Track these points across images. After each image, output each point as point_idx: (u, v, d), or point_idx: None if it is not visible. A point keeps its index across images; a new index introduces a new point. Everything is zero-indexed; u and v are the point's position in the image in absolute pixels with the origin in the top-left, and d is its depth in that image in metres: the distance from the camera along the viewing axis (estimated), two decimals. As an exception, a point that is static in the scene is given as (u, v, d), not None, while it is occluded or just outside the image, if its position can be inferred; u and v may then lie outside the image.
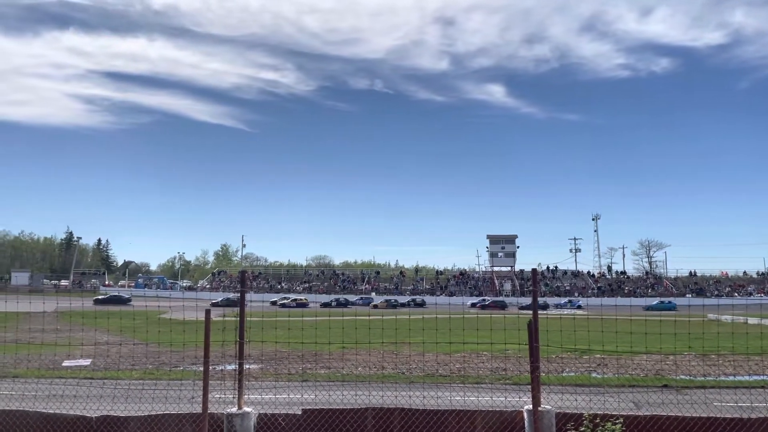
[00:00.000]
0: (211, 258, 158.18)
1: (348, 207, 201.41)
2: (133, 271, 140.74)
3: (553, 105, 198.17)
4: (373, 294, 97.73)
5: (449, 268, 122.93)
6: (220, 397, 7.73)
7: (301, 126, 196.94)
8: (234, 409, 7.02)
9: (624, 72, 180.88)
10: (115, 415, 7.36)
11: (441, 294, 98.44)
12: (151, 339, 22.19)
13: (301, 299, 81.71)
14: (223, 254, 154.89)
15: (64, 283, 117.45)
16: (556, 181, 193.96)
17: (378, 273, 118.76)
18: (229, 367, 16.14)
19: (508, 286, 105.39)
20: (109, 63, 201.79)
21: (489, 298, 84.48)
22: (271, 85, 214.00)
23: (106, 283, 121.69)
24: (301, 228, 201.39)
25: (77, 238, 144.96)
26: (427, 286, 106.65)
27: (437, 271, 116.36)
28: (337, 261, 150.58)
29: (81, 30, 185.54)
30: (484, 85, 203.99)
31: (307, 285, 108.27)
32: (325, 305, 72.50)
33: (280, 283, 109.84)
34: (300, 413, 7.18)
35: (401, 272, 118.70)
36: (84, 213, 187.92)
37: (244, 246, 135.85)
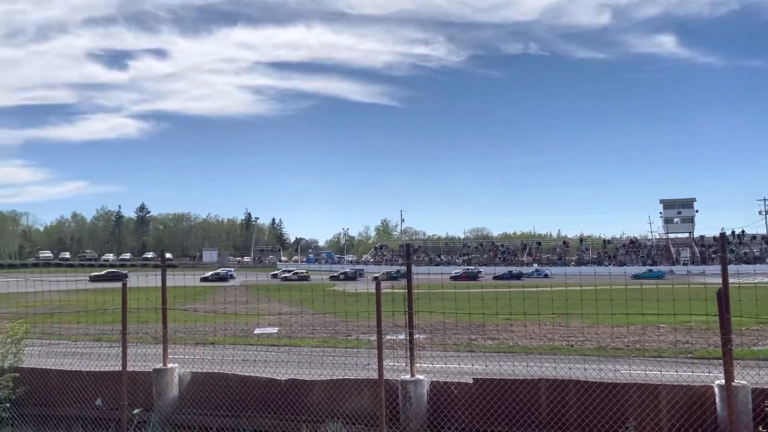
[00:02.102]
0: (372, 233, 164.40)
1: (505, 177, 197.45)
2: (304, 247, 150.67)
3: (733, 51, 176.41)
4: (535, 265, 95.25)
5: (617, 236, 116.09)
6: (393, 365, 8.06)
7: (453, 98, 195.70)
8: (407, 377, 7.27)
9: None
10: (301, 378, 7.98)
11: (609, 264, 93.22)
12: (324, 309, 23.68)
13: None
14: (384, 229, 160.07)
15: (246, 259, 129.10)
16: (738, 136, 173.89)
17: (539, 244, 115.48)
18: (398, 337, 16.76)
19: (686, 253, 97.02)
20: (273, 53, 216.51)
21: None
22: (423, 60, 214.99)
23: (282, 259, 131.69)
24: (458, 201, 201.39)
25: (255, 218, 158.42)
26: (594, 256, 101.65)
27: (604, 240, 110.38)
28: (496, 233, 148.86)
29: (247, 24, 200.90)
30: (652, 36, 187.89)
31: (466, 257, 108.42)
32: (498, 278, 70.96)
33: (439, 256, 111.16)
34: (471, 382, 7.24)
35: (564, 242, 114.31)
36: (259, 195, 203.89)
37: (402, 221, 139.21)
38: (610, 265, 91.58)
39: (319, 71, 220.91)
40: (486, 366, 9.41)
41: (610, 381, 7.22)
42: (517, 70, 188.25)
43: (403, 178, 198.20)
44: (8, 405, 8.44)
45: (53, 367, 9.50)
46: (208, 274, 70.91)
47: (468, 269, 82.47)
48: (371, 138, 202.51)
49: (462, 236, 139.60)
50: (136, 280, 9.91)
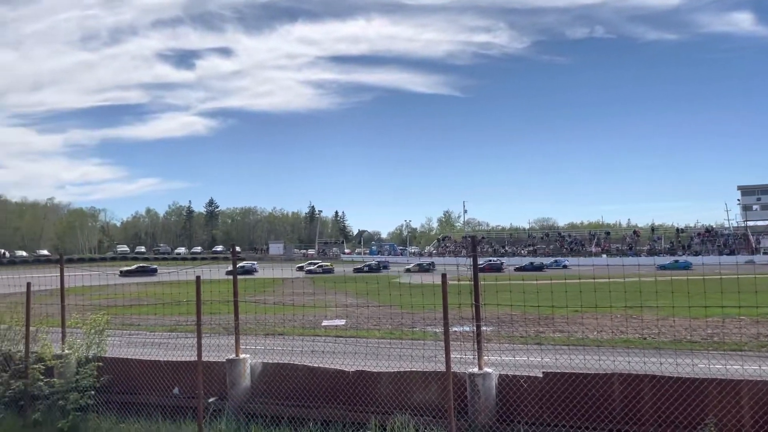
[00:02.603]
0: (435, 224, 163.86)
1: (572, 165, 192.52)
2: (366, 239, 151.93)
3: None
4: (604, 256, 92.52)
5: (691, 225, 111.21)
6: (460, 358, 8.03)
7: (515, 86, 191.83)
8: (475, 370, 7.22)
9: None
10: (368, 370, 8.06)
11: (683, 254, 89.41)
12: (388, 301, 23.79)
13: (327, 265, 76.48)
14: (446, 220, 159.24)
15: (310, 252, 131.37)
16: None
17: (608, 233, 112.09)
18: (463, 329, 16.65)
19: (766, 242, 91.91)
20: (334, 47, 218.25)
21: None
22: (484, 48, 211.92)
23: (346, 251, 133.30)
24: (523, 190, 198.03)
25: (318, 211, 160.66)
26: (666, 246, 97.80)
27: (678, 229, 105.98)
28: (562, 223, 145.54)
29: (308, 20, 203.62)
30: (726, 14, 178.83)
31: (531, 248, 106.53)
32: (520, 269, 68.97)
33: (503, 247, 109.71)
34: (541, 376, 7.11)
35: (635, 231, 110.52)
36: (323, 188, 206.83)
37: (465, 211, 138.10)
38: (683, 254, 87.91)
39: (379, 63, 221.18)
40: (556, 359, 9.22)
41: (687, 376, 6.92)
42: (583, 55, 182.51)
43: (465, 168, 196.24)
44: (93, 393, 8.92)
45: (133, 357, 9.96)
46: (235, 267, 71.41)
47: (491, 260, 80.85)
48: (433, 129, 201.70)
49: (527, 227, 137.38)
50: (209, 273, 10.24)
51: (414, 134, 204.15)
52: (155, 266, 73.15)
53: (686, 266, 67.69)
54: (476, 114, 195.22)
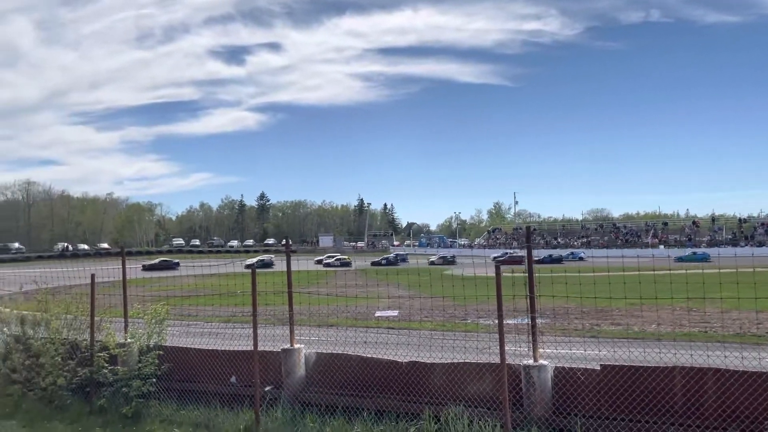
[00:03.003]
0: (485, 216, 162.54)
1: (626, 155, 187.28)
2: (415, 232, 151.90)
3: None
4: (661, 247, 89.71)
5: (754, 215, 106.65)
6: (513, 350, 7.91)
7: (567, 74, 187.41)
8: (530, 361, 7.12)
9: None
10: (421, 361, 8.05)
11: (746, 245, 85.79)
12: (438, 293, 23.75)
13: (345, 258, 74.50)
14: (496, 212, 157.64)
15: (360, 244, 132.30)
16: None
17: (666, 224, 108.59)
18: (516, 321, 16.44)
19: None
20: (381, 39, 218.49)
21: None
22: (534, 36, 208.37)
23: (395, 243, 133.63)
24: (576, 181, 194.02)
25: (367, 204, 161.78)
26: (728, 236, 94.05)
27: (740, 219, 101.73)
28: (617, 213, 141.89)
29: (355, 12, 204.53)
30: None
31: (585, 239, 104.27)
32: (538, 262, 67.02)
33: (555, 239, 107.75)
34: (599, 368, 6.95)
35: (694, 222, 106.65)
36: (371, 181, 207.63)
37: (516, 203, 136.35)
38: (746, 245, 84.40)
39: (427, 54, 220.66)
40: (613, 352, 9.01)
41: (753, 370, 6.64)
42: (638, 41, 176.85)
43: (516, 159, 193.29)
44: (154, 380, 9.24)
45: (192, 346, 10.25)
46: (254, 260, 69.96)
47: (508, 252, 79.28)
48: (482, 119, 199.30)
49: (580, 218, 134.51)
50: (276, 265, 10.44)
51: (463, 125, 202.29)
52: (177, 260, 71.52)
53: (704, 258, 65.93)
54: (526, 103, 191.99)
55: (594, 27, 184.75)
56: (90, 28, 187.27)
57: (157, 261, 71.92)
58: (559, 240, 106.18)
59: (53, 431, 8.54)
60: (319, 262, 74.02)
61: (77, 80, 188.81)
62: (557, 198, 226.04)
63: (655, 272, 7.92)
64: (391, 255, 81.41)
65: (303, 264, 8.87)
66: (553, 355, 8.91)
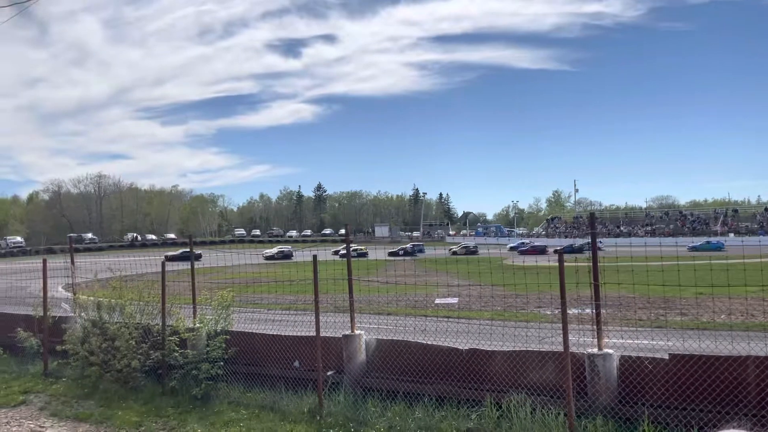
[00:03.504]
0: (543, 205, 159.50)
1: (692, 140, 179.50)
2: (472, 221, 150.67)
3: None
4: (731, 235, 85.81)
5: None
6: (577, 340, 7.81)
7: (631, 57, 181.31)
8: (595, 350, 7.00)
9: None
10: (482, 348, 8.04)
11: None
12: (494, 283, 23.53)
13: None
14: (555, 201, 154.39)
15: (416, 234, 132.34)
16: None
17: (736, 211, 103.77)
18: (576, 311, 16.17)
19: None
20: (436, 27, 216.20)
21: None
22: (595, 18, 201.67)
23: (450, 233, 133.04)
24: (639, 168, 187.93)
25: (423, 194, 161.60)
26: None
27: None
28: (683, 201, 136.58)
29: (410, 1, 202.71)
30: None
31: (649, 228, 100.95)
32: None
33: (618, 227, 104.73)
34: (667, 358, 6.77)
35: (766, 209, 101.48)
36: (427, 170, 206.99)
37: (576, 191, 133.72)
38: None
39: (483, 41, 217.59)
40: (682, 342, 8.74)
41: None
42: (705, 21, 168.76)
43: (575, 146, 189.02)
44: (222, 363, 9.58)
45: (257, 331, 10.56)
46: (274, 251, 69.36)
47: (522, 242, 77.05)
48: (540, 106, 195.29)
49: (644, 205, 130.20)
50: (323, 254, 10.63)
51: (520, 112, 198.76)
52: (200, 251, 71.28)
53: (719, 247, 64.75)
54: (587, 88, 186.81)
55: (658, 7, 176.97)
56: (154, 25, 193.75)
57: (179, 252, 72.60)
58: (622, 228, 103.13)
59: (129, 411, 8.98)
60: (336, 252, 73.87)
61: (143, 77, 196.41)
62: (620, 185, 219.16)
63: (728, 261, 7.63)
64: (408, 246, 79.42)
65: (322, 254, 9.00)
66: (618, 345, 8.71)
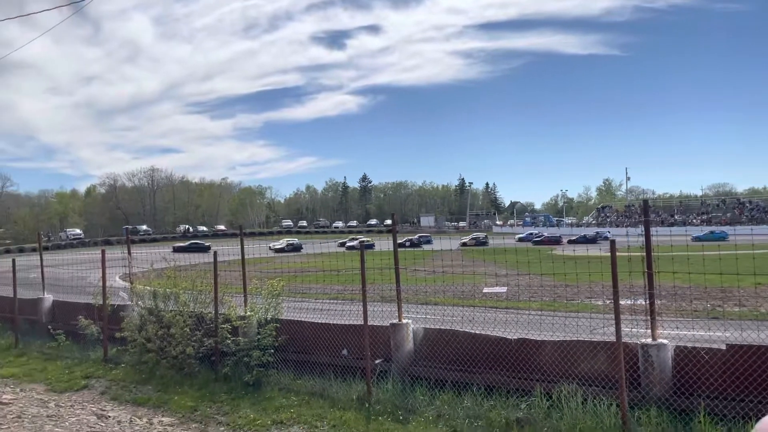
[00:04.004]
0: (593, 194, 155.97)
1: (749, 125, 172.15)
2: (519, 211, 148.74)
3: None
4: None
5: None
6: (629, 331, 7.65)
7: (684, 40, 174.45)
8: (648, 340, 6.84)
9: None
10: (531, 338, 7.97)
11: None
12: (542, 273, 23.23)
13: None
14: (606, 189, 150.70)
15: (462, 224, 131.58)
16: None
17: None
18: (629, 302, 15.80)
19: None
20: (481, 15, 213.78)
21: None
22: (647, 0, 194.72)
23: (497, 222, 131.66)
24: (694, 155, 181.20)
25: (469, 183, 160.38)
26: None
27: None
28: (741, 188, 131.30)
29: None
30: None
31: (705, 216, 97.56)
32: (572, 242, 62.84)
33: (672, 216, 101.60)
34: (724, 348, 6.56)
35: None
36: (473, 160, 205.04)
37: (628, 179, 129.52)
38: None
39: (529, 27, 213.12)
40: (740, 333, 8.45)
41: None
42: (764, 0, 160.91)
43: (627, 133, 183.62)
44: (272, 351, 9.78)
45: (306, 319, 10.73)
46: (283, 244, 68.69)
47: (531, 233, 75.88)
48: (589, 92, 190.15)
49: (699, 193, 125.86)
50: (387, 245, 10.71)
51: (569, 99, 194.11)
52: (208, 243, 68.58)
53: (722, 237, 63.63)
54: (638, 73, 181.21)
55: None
56: (201, 21, 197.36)
57: (187, 244, 70.89)
58: (677, 217, 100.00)
59: (184, 396, 9.28)
60: (342, 245, 72.38)
61: (192, 72, 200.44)
62: (674, 173, 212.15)
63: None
64: (415, 237, 77.87)
65: (325, 247, 9.04)
66: (673, 336, 8.48)
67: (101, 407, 9.19)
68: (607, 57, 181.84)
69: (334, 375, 9.09)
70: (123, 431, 8.01)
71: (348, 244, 71.74)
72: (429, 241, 74.14)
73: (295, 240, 75.11)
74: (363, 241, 76.96)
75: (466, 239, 75.20)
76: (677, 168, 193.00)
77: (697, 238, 60.31)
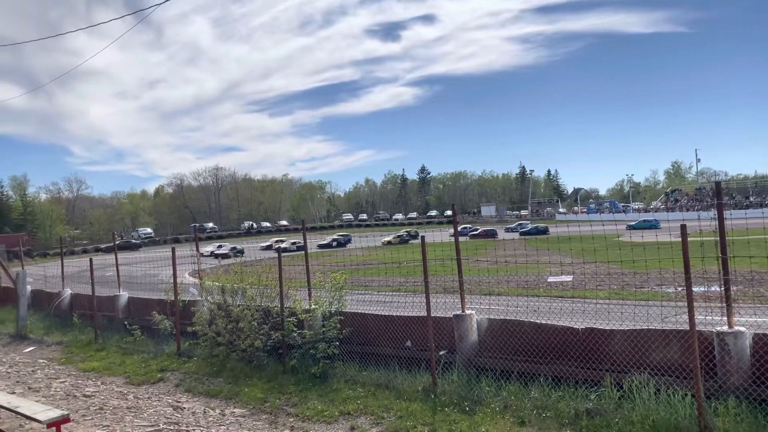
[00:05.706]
0: (661, 177, 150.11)
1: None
2: (583, 197, 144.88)
3: None
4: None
5: None
6: (702, 319, 7.32)
7: (755, 13, 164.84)
8: (725, 328, 6.55)
9: None
10: (599, 327, 7.77)
11: None
12: (608, 261, 22.60)
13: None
14: (675, 172, 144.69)
15: (523, 212, 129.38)
16: None
17: None
18: (702, 289, 15.16)
19: None
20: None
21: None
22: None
23: (561, 210, 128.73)
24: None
25: (530, 171, 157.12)
26: None
27: None
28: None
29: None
30: None
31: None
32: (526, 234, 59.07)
33: (747, 198, 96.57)
34: (809, 337, 6.21)
35: None
36: (533, 147, 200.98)
37: (698, 161, 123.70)
38: None
39: (589, 7, 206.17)
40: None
41: None
42: None
43: (696, 113, 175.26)
44: (337, 343, 9.93)
45: (369, 312, 10.83)
46: (330, 239, 68.08)
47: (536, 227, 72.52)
48: (654, 72, 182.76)
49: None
50: (431, 236, 10.67)
51: (633, 80, 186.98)
52: (242, 247, 62.71)
53: (654, 225, 62.64)
54: (707, 50, 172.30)
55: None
56: (258, 20, 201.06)
57: (217, 247, 70.13)
58: (752, 199, 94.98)
59: (254, 388, 9.56)
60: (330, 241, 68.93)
61: (250, 71, 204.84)
62: (748, 154, 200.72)
63: None
64: (413, 231, 75.24)
65: (369, 242, 8.95)
66: (750, 323, 8.07)
67: (176, 399, 9.59)
68: (673, 35, 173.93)
69: (399, 366, 9.14)
70: (198, 422, 8.33)
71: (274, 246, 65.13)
72: (416, 237, 70.98)
73: (342, 236, 72.66)
74: (339, 237, 70.90)
75: (476, 232, 72.10)
76: (751, 147, 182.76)
77: (630, 227, 58.91)
